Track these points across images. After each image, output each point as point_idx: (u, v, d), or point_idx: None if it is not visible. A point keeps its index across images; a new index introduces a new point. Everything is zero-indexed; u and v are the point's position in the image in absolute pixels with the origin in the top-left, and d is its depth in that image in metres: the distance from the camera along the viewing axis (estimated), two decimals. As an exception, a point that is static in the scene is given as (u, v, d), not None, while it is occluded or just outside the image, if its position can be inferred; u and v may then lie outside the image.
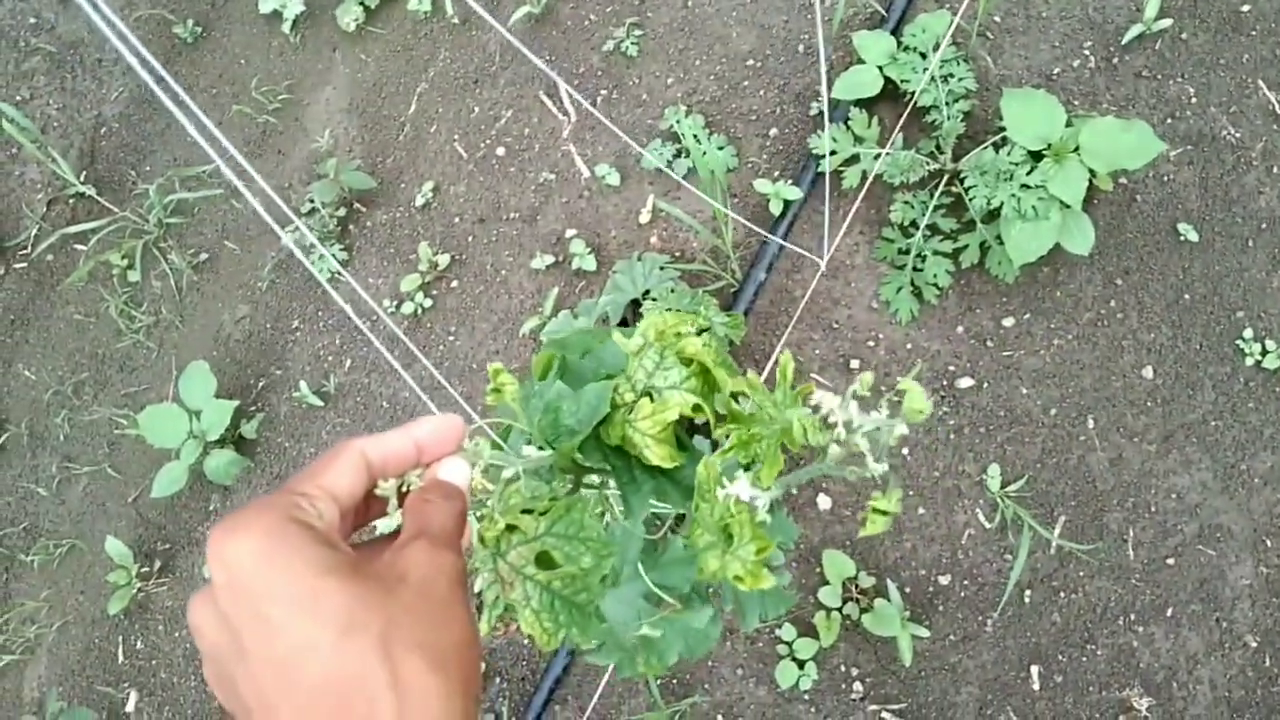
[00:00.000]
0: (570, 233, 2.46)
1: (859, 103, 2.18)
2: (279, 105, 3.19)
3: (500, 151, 2.69)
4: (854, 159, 2.16)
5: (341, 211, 2.92)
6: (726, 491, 0.66)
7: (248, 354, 2.91)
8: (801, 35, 2.37)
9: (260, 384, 2.88)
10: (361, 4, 3.21)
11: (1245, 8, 2.28)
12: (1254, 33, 2.27)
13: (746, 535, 0.65)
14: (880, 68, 2.15)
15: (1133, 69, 2.26)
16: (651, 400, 0.68)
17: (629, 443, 0.68)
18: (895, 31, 2.24)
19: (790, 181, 2.21)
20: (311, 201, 2.92)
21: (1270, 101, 2.24)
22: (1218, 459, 2.11)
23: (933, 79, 2.10)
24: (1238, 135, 2.24)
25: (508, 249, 2.56)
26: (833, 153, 2.15)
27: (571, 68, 2.69)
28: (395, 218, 2.84)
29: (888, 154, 2.12)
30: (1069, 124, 2.01)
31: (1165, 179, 2.22)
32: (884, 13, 2.26)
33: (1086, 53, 2.26)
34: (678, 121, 2.35)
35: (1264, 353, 2.15)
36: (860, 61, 2.17)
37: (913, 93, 2.12)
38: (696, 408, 0.68)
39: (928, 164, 2.11)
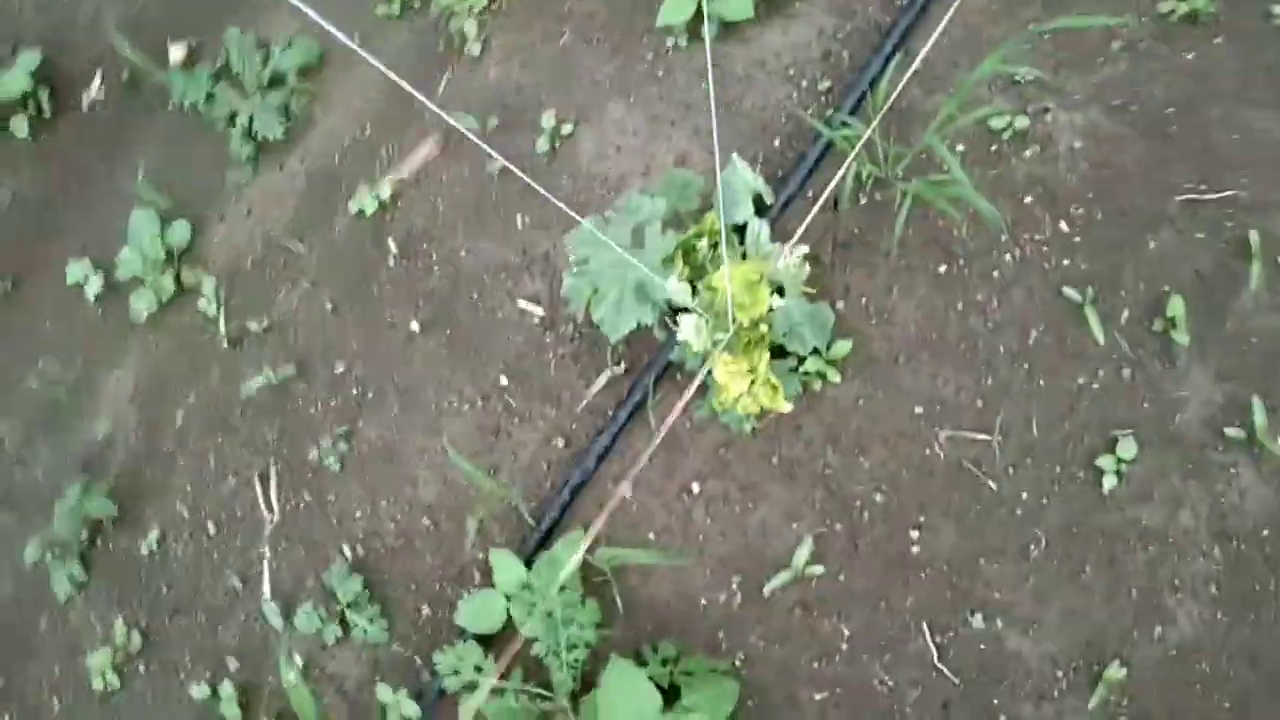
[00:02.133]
0: (233, 665, 2.45)
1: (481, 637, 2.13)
2: (71, 381, 3.22)
3: (211, 529, 2.68)
4: (474, 685, 2.11)
5: (84, 534, 2.93)
6: None
7: (7, 640, 2.95)
8: (467, 512, 2.32)
9: (4, 682, 2.93)
10: (155, 295, 3.21)
11: (915, 549, 2.18)
12: (924, 575, 2.17)
13: None
14: (508, 597, 2.10)
15: (785, 604, 2.18)
16: None
17: None
18: (541, 547, 2.18)
19: (412, 694, 2.17)
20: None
21: (930, 648, 2.15)
22: None
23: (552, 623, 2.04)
24: (891, 683, 2.15)
25: (188, 655, 2.55)
26: (456, 672, 2.11)
27: (290, 455, 2.66)
28: (129, 555, 2.84)
29: (503, 689, 2.08)
30: (664, 709, 1.95)
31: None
32: (533, 523, 2.20)
33: (734, 586, 2.19)
34: (340, 580, 2.32)
35: None
36: (491, 585, 2.12)
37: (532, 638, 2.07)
38: None
39: (543, 705, 2.07)
